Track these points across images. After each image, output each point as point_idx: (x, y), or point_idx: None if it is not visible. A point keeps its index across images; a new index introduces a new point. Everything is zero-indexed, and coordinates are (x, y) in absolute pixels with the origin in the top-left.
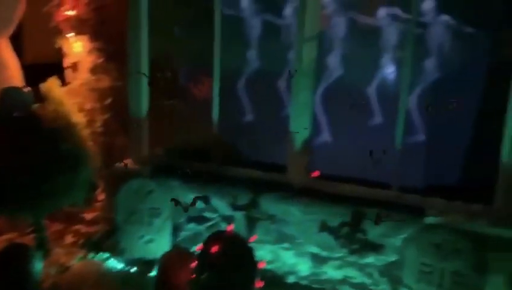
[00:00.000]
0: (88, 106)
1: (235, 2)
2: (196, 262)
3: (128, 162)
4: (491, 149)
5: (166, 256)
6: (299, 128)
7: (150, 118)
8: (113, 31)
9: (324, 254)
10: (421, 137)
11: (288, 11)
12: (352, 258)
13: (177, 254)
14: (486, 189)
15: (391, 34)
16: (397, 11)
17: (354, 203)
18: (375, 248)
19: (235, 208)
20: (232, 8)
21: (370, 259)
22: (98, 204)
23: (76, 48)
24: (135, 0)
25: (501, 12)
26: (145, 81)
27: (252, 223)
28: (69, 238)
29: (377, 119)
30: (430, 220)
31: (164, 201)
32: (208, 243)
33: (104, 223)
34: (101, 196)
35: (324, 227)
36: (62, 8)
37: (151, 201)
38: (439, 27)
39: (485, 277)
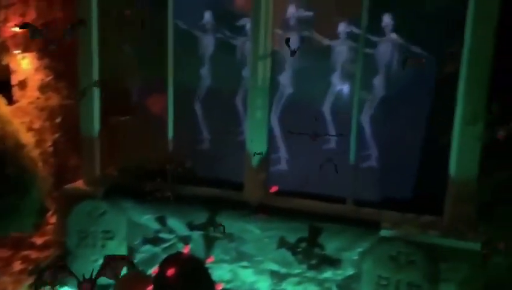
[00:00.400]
0: (37, 125)
1: (189, 19)
2: (152, 286)
3: (80, 183)
4: (440, 163)
5: (122, 280)
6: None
7: (102, 136)
8: (62, 48)
9: (283, 270)
10: (374, 152)
11: (242, 29)
12: (310, 274)
13: (133, 278)
14: (437, 201)
15: (343, 53)
16: (348, 29)
17: (311, 219)
18: (332, 262)
19: (192, 227)
20: (186, 25)
21: (328, 274)
22: (49, 228)
23: (24, 65)
24: (85, 17)
25: (444, 33)
26: (97, 99)
27: (209, 243)
28: (17, 265)
29: (333, 136)
30: (385, 233)
31: (118, 223)
32: (164, 266)
33: (56, 248)
34: (52, 219)
35: (282, 243)
36: (8, 24)
37: (104, 223)
38: (389, 46)
39: (437, 287)
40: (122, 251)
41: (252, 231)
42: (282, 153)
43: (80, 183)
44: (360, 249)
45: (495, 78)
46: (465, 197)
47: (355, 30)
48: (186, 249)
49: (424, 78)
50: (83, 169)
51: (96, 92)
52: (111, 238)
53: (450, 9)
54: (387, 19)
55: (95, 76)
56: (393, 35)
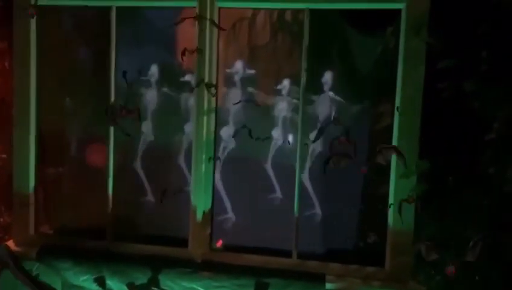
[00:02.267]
0: None
1: (132, 74)
2: None
3: (10, 243)
4: (381, 214)
5: None
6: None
7: (37, 193)
8: None
9: None
10: (316, 205)
11: (186, 84)
12: None
13: None
14: (379, 252)
15: (284, 109)
16: (289, 86)
17: (257, 274)
18: None
19: (133, 288)
20: (128, 80)
21: None
22: None
23: None
24: (22, 69)
25: (377, 89)
26: (32, 153)
27: None
28: None
29: (276, 190)
30: (330, 285)
31: (52, 285)
32: None
33: None
34: None
35: None
36: None
37: None
38: (327, 103)
39: None
40: None
41: (197, 289)
42: (227, 206)
43: (10, 244)
44: None
45: (425, 134)
46: (403, 247)
47: (295, 88)
48: None
49: (360, 133)
50: (14, 228)
51: (32, 146)
52: None
53: (381, 69)
54: (324, 79)
55: (32, 129)
56: (331, 93)
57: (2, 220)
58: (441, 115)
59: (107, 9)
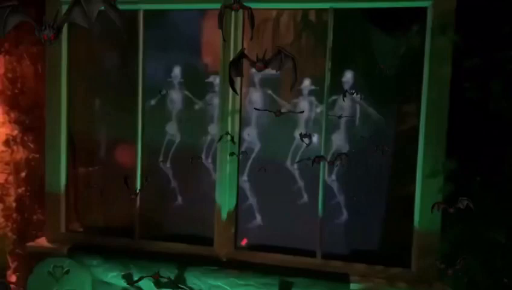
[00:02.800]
0: (1, 179)
1: (158, 75)
2: None
3: (43, 240)
4: (406, 215)
5: None
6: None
7: (68, 192)
8: (30, 102)
9: None
10: (341, 205)
11: (210, 85)
12: None
13: None
14: (404, 253)
15: (306, 109)
16: (311, 87)
17: (281, 273)
18: None
19: (160, 285)
20: (154, 81)
21: None
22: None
23: None
24: (54, 72)
25: (402, 88)
26: (64, 154)
27: None
28: None
29: (301, 190)
30: (354, 286)
31: (82, 281)
32: None
33: None
34: (13, 278)
35: None
36: None
37: (67, 282)
38: (349, 104)
39: None
40: None
41: (222, 287)
42: (253, 207)
43: (43, 240)
44: None
45: (452, 133)
46: (430, 248)
47: (317, 88)
48: None
49: (384, 134)
50: (46, 225)
51: (63, 147)
52: None
53: (406, 69)
54: (347, 78)
55: (63, 130)
56: (354, 95)
57: (35, 217)
58: (468, 114)
59: (134, 13)
